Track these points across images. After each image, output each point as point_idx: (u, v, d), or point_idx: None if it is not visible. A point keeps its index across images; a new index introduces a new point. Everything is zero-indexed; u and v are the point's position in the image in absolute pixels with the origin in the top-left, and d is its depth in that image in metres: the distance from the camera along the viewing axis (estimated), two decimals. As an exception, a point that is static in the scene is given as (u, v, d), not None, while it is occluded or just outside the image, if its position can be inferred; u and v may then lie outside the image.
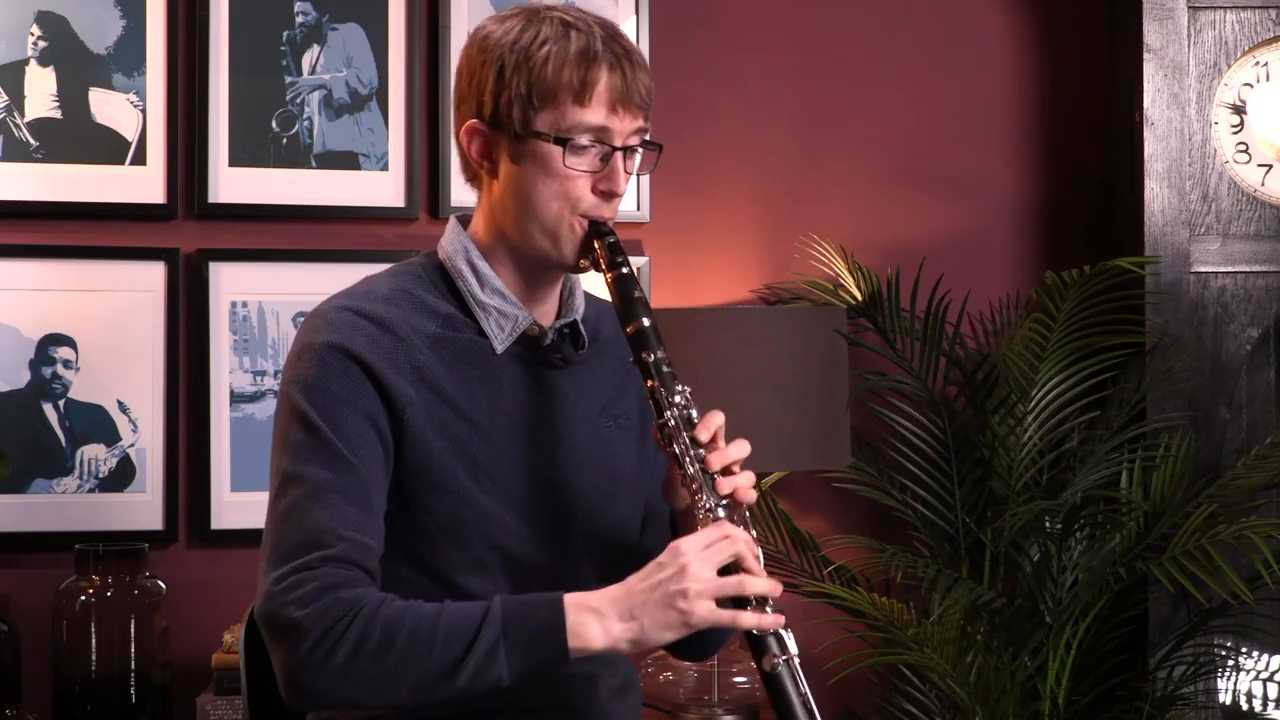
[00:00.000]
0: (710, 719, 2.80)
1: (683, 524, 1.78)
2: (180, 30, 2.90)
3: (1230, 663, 2.98)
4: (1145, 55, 2.99)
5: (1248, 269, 3.01)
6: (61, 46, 2.87)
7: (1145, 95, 2.99)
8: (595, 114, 1.68)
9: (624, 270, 1.70)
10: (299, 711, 1.75)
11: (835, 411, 2.75)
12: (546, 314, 1.79)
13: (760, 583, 1.61)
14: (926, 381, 2.97)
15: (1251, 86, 3.05)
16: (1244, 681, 3.00)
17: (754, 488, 1.68)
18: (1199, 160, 3.02)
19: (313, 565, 1.58)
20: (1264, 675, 2.99)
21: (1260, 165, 3.05)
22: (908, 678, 2.98)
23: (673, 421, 1.67)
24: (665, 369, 1.69)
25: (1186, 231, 2.99)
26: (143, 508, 2.88)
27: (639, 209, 3.05)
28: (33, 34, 2.86)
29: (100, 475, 2.86)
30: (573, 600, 1.60)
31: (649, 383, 1.69)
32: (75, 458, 2.86)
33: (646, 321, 1.69)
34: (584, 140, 1.68)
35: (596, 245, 1.71)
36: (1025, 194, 3.26)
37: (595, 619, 1.59)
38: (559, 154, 1.67)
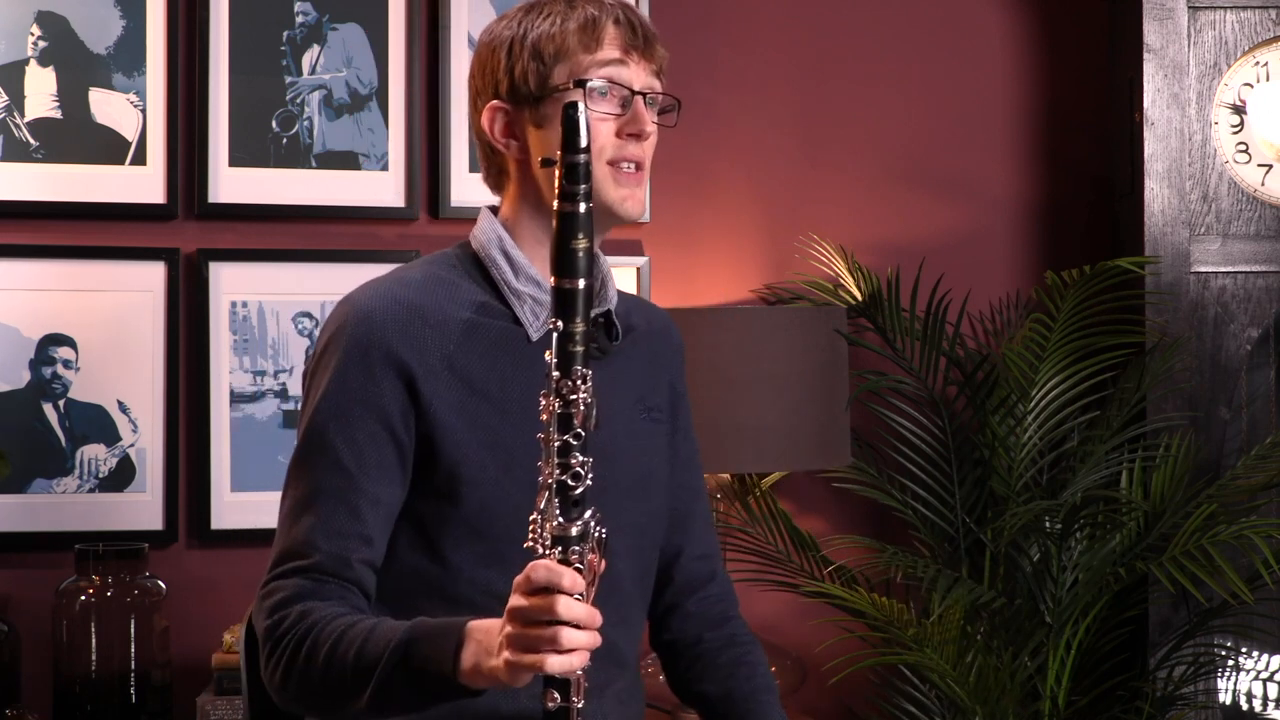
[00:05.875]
0: (710, 719, 2.80)
1: None
2: (180, 30, 2.90)
3: (1230, 663, 2.98)
4: (1145, 55, 2.99)
5: (1248, 269, 3.01)
6: (61, 46, 2.87)
7: (1145, 95, 2.99)
8: (608, 56, 1.69)
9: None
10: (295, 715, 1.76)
11: (835, 411, 2.75)
12: None
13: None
14: (926, 381, 2.97)
15: (1251, 86, 3.05)
16: (1244, 681, 3.00)
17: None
18: (1199, 160, 3.02)
19: (286, 575, 1.63)
20: (1264, 675, 2.99)
21: (1260, 165, 3.05)
22: (908, 678, 2.98)
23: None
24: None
25: (1186, 231, 2.99)
26: (143, 508, 2.87)
27: (639, 209, 3.05)
28: (33, 34, 2.86)
29: (100, 475, 2.86)
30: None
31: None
32: (75, 458, 2.86)
33: None
34: (601, 82, 1.69)
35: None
36: (1025, 194, 3.26)
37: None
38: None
